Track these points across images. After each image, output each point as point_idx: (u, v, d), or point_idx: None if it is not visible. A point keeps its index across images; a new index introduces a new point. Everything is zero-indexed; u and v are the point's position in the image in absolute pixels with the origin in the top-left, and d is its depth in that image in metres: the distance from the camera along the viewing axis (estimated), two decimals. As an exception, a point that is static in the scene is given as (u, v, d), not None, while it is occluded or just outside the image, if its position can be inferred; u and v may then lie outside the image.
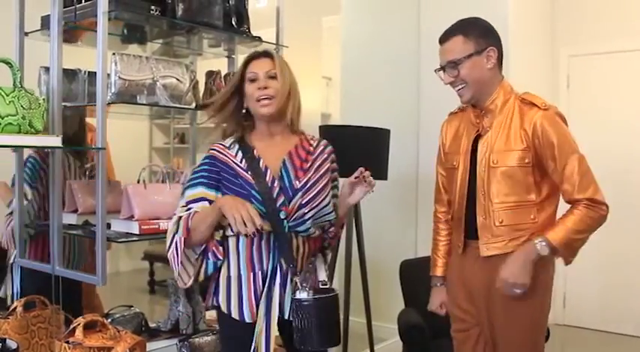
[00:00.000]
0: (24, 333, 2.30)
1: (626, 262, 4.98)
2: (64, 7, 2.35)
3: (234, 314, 2.00)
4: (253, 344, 1.95)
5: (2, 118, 1.95)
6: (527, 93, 2.19)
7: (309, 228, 2.01)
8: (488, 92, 2.18)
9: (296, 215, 1.97)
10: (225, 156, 2.02)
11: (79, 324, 2.05)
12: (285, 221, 1.96)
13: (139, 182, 2.58)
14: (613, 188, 5.29)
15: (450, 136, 2.35)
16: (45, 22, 2.45)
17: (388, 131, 3.60)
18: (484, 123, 2.21)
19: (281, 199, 1.96)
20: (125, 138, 3.18)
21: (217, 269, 2.02)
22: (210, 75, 2.85)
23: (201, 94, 2.78)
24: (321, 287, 2.03)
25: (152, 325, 2.89)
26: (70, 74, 2.59)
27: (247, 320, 1.98)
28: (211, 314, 3.12)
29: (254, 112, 2.05)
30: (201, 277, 2.02)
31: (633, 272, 4.96)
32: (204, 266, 2.01)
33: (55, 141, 2.15)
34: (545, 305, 2.23)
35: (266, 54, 2.07)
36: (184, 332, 2.85)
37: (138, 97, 2.44)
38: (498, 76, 2.21)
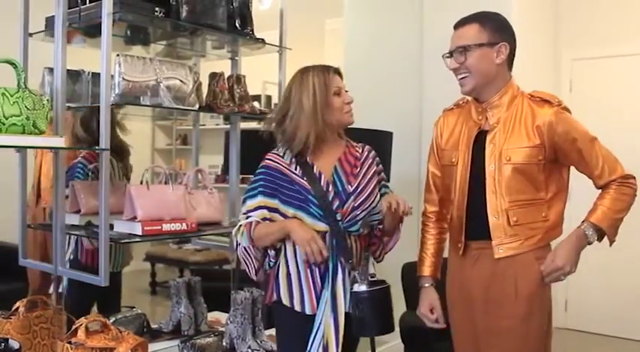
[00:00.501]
0: (26, 333, 2.30)
1: (628, 266, 4.97)
2: (69, 8, 2.36)
3: (297, 307, 2.17)
4: (317, 336, 2.11)
5: (6, 119, 1.95)
6: (536, 90, 2.16)
7: (360, 227, 2.20)
8: (492, 87, 2.14)
9: (350, 216, 2.16)
10: (280, 164, 2.21)
11: (81, 325, 2.05)
12: (341, 222, 2.14)
13: (141, 183, 2.59)
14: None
15: (446, 133, 2.29)
16: (49, 23, 2.46)
17: (390, 133, 3.61)
18: (489, 120, 2.15)
19: (336, 202, 2.15)
20: (128, 139, 3.19)
21: (276, 267, 2.22)
22: (214, 76, 2.85)
23: (204, 96, 2.79)
24: (371, 279, 2.17)
25: (154, 326, 2.90)
26: (73, 75, 2.60)
27: (308, 312, 2.16)
28: (213, 316, 3.13)
29: (338, 122, 2.24)
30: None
31: (635, 276, 4.95)
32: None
33: (59, 141, 2.15)
34: (542, 325, 2.17)
35: (339, 71, 2.30)
36: (186, 333, 2.86)
37: (141, 98, 2.44)
38: (506, 74, 2.16)
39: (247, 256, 2.23)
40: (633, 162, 5.17)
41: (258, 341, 2.75)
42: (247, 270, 2.28)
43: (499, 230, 2.11)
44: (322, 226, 2.13)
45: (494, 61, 2.10)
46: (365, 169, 2.26)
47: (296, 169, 2.18)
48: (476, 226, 2.15)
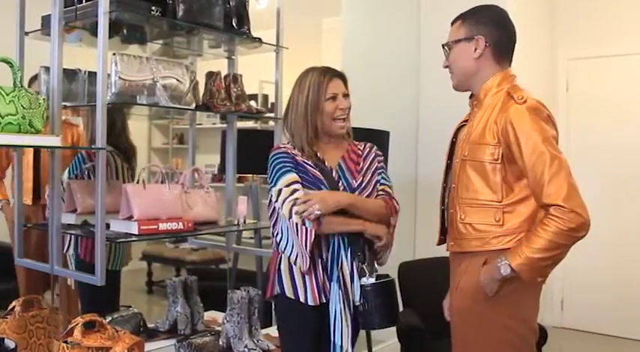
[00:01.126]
0: (22, 333, 2.30)
1: (625, 265, 4.98)
2: (65, 7, 2.35)
3: (302, 298, 2.20)
4: (337, 326, 2.17)
5: (2, 118, 1.95)
6: (515, 85, 2.05)
7: None
8: (477, 81, 2.07)
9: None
10: (295, 154, 2.24)
11: (77, 324, 2.05)
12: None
13: (138, 182, 2.58)
14: (612, 192, 5.29)
15: (454, 130, 2.22)
16: (45, 21, 2.45)
17: (387, 133, 3.61)
18: (472, 114, 2.11)
19: None
20: (125, 138, 3.20)
21: (278, 261, 2.25)
22: (211, 76, 2.85)
23: (201, 95, 2.79)
24: (376, 274, 2.22)
25: (150, 325, 2.90)
26: (70, 74, 2.59)
27: (310, 303, 2.18)
28: (209, 315, 3.13)
29: (327, 128, 2.26)
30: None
31: (631, 275, 4.96)
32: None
33: (55, 141, 2.15)
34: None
35: (341, 75, 2.31)
36: (182, 332, 2.86)
37: (138, 98, 2.43)
38: (493, 66, 2.06)
39: (307, 247, 2.13)
40: (629, 160, 5.19)
41: (255, 341, 2.75)
42: (300, 261, 2.18)
43: (451, 225, 2.09)
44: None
45: (472, 56, 2.05)
46: (367, 165, 2.32)
47: (308, 161, 2.23)
48: (445, 220, 2.17)
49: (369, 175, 2.31)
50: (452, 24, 2.15)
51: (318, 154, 2.26)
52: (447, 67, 2.16)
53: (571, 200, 1.82)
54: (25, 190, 3.18)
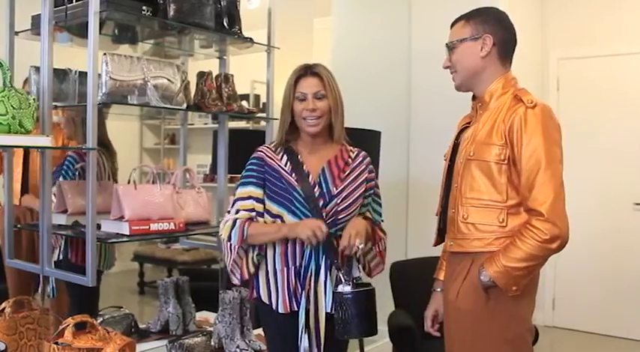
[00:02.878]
0: (12, 334, 2.28)
1: (616, 265, 5.00)
2: (55, 7, 2.34)
3: (274, 305, 2.18)
4: (303, 335, 2.14)
5: (-8, 118, 1.94)
6: (523, 89, 2.07)
7: (338, 230, 2.16)
8: (482, 82, 2.08)
9: (332, 218, 2.15)
10: (272, 158, 2.21)
11: (68, 325, 2.04)
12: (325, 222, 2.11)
13: (129, 182, 2.58)
14: (602, 191, 5.31)
15: (455, 132, 2.23)
16: (35, 21, 2.44)
17: (379, 133, 3.61)
18: (477, 115, 2.10)
19: (320, 202, 2.15)
20: (115, 138, 3.18)
21: (258, 265, 2.22)
22: (202, 75, 2.85)
23: (192, 95, 2.78)
24: (356, 282, 2.15)
25: (142, 326, 2.89)
26: (60, 74, 2.58)
27: (281, 310, 2.16)
28: (201, 315, 3.12)
29: (300, 128, 2.22)
30: (252, 270, 2.22)
31: (622, 274, 4.99)
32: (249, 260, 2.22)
33: (45, 141, 2.14)
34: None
35: (314, 73, 2.20)
36: (174, 333, 2.85)
37: (129, 98, 2.43)
38: (498, 66, 2.09)
39: (231, 253, 2.19)
40: (619, 160, 5.22)
41: (247, 341, 2.74)
42: (231, 271, 2.23)
43: (452, 224, 2.07)
44: None
45: (479, 54, 2.06)
46: (355, 175, 2.24)
47: (286, 165, 2.19)
48: (446, 220, 2.15)
49: (353, 186, 2.22)
50: (453, 25, 2.15)
51: (299, 156, 2.21)
52: (447, 67, 2.15)
53: (553, 210, 1.86)
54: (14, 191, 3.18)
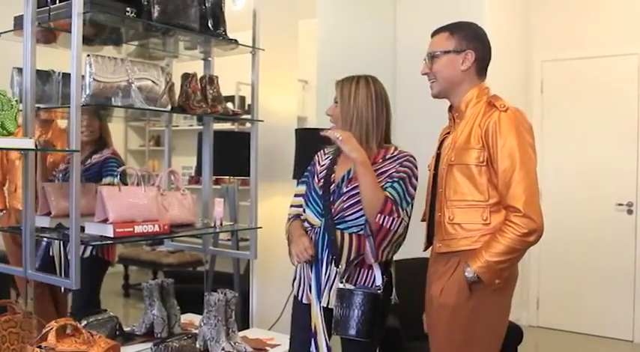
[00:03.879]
0: (-5, 338, 2.27)
1: (599, 265, 5.05)
2: (38, 8, 2.32)
3: (299, 295, 2.44)
4: (312, 324, 2.31)
5: (-26, 120, 1.92)
6: (495, 95, 2.22)
7: (351, 227, 2.30)
8: (459, 92, 2.22)
9: (339, 215, 2.31)
10: (318, 161, 2.52)
11: (51, 329, 2.02)
12: (331, 218, 2.31)
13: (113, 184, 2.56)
14: (585, 192, 5.36)
15: (439, 143, 2.37)
16: (18, 22, 2.41)
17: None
18: (455, 123, 2.26)
19: (333, 198, 2.33)
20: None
21: None
22: (186, 77, 2.84)
23: (177, 97, 2.77)
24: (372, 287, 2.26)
25: (126, 329, 2.87)
26: (43, 75, 2.56)
27: (304, 301, 2.40)
28: (186, 318, 3.11)
29: None
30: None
31: (606, 275, 5.03)
32: None
33: (28, 143, 2.12)
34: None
35: (338, 82, 2.45)
36: (159, 335, 2.84)
37: (113, 99, 2.41)
38: (474, 79, 2.23)
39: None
40: (602, 160, 5.28)
41: (232, 343, 2.73)
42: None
43: (439, 226, 2.20)
44: (316, 220, 2.37)
45: (460, 68, 2.20)
46: (381, 168, 2.32)
47: (322, 166, 2.46)
48: (433, 225, 2.27)
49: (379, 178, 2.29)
50: (435, 33, 2.27)
51: (338, 159, 2.43)
52: (425, 74, 2.28)
53: (529, 206, 2.03)
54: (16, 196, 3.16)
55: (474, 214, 2.12)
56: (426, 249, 2.37)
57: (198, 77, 2.89)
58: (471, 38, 2.22)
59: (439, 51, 2.22)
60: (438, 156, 2.30)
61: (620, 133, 5.03)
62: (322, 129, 2.30)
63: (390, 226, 2.20)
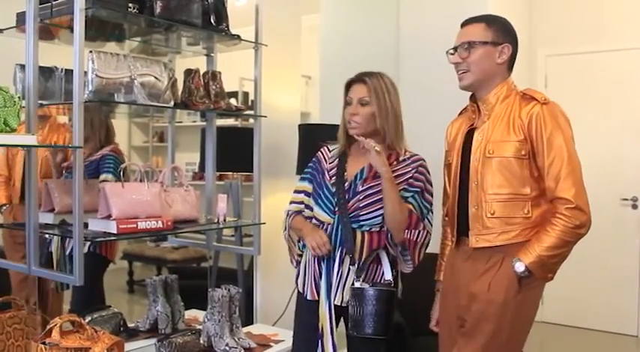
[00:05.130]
0: (-1, 334, 2.27)
1: (604, 260, 5.03)
2: (40, 4, 2.32)
3: (304, 292, 2.42)
4: (320, 323, 2.29)
5: (-24, 116, 1.92)
6: (530, 88, 2.20)
7: (364, 226, 2.30)
8: (489, 85, 2.19)
9: (355, 213, 2.30)
10: (324, 158, 2.50)
11: (55, 325, 2.03)
12: (345, 216, 2.29)
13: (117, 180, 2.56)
14: (590, 187, 5.34)
15: (452, 135, 2.36)
16: (20, 18, 2.41)
17: (367, 130, 3.60)
18: (482, 116, 2.21)
19: (347, 196, 2.33)
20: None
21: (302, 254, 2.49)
22: (189, 73, 2.83)
23: (179, 93, 2.76)
24: (380, 282, 2.28)
25: (131, 325, 2.88)
26: (46, 72, 2.56)
27: (309, 297, 2.38)
28: (190, 314, 3.11)
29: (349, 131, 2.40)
30: (297, 258, 2.54)
31: (610, 269, 5.02)
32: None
33: (31, 139, 2.12)
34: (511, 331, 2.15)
35: (362, 80, 2.40)
36: (163, 331, 2.84)
37: (115, 96, 2.41)
38: (505, 73, 2.21)
39: (289, 241, 2.53)
40: (606, 156, 5.25)
41: (236, 339, 2.74)
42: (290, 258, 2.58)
43: (476, 221, 2.14)
44: (327, 217, 2.36)
45: (496, 61, 2.17)
46: (396, 174, 2.32)
47: (331, 164, 2.44)
48: (465, 220, 2.20)
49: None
50: (468, 23, 2.23)
51: (348, 157, 2.42)
52: (458, 63, 2.21)
53: (579, 198, 2.02)
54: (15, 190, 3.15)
55: (515, 208, 2.09)
56: (456, 244, 2.29)
57: (201, 73, 2.88)
58: (507, 32, 2.20)
59: (477, 41, 2.17)
60: (463, 147, 2.24)
61: (625, 128, 5.02)
62: (358, 137, 2.31)
63: (417, 238, 2.30)
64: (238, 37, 2.86)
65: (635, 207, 5.00)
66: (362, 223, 2.31)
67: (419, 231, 2.30)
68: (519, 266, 2.04)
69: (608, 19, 5.05)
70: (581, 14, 5.16)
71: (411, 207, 2.30)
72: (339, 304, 2.30)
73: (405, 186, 2.32)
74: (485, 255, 2.14)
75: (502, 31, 2.19)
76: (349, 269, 2.28)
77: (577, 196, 2.02)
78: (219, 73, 2.98)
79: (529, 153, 2.08)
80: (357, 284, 2.22)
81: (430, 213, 2.37)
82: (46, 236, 2.69)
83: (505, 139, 2.10)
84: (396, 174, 2.32)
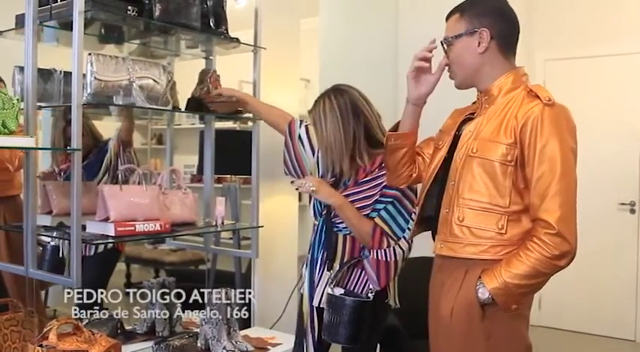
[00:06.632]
0: (-4, 337, 2.27)
1: (601, 264, 5.04)
2: (39, 6, 2.32)
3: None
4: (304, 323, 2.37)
5: (-25, 118, 1.92)
6: (538, 85, 1.90)
7: (343, 230, 2.32)
8: (485, 76, 1.90)
9: (335, 217, 2.32)
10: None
11: (52, 327, 2.02)
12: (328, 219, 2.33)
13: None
14: (588, 192, 5.36)
15: (451, 119, 2.07)
16: (19, 20, 2.41)
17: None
18: (482, 108, 1.92)
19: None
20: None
21: None
22: (207, 73, 2.89)
23: (177, 96, 2.77)
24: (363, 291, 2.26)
25: (128, 327, 2.87)
26: (45, 74, 2.56)
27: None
28: (187, 317, 3.10)
29: None
30: None
31: (608, 274, 5.02)
32: None
33: (29, 141, 2.12)
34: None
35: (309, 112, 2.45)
36: (160, 334, 2.83)
37: (114, 98, 2.41)
38: (500, 60, 1.90)
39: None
40: (604, 160, 5.25)
41: (233, 342, 2.73)
42: None
43: (444, 225, 1.88)
44: (314, 219, 2.42)
45: (476, 51, 1.88)
46: (373, 184, 2.31)
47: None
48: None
49: (363, 191, 2.31)
50: (447, 18, 1.97)
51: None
52: (447, 65, 1.95)
53: (563, 223, 1.72)
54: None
55: (488, 219, 1.78)
56: (414, 235, 2.14)
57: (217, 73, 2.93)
58: (485, 14, 1.87)
59: (450, 36, 1.91)
60: (455, 138, 1.95)
61: (623, 133, 5.02)
62: (292, 183, 2.35)
63: (386, 258, 2.24)
64: (237, 40, 2.86)
65: (633, 211, 5.01)
66: (340, 227, 2.33)
67: (385, 250, 2.24)
68: (483, 293, 1.76)
69: (607, 24, 5.05)
70: (580, 18, 5.17)
71: (376, 221, 2.25)
72: (317, 305, 2.32)
73: (379, 198, 2.27)
74: (449, 267, 1.88)
75: (476, 15, 1.87)
76: (329, 275, 2.28)
77: (561, 221, 1.71)
78: (219, 75, 2.99)
79: (516, 160, 1.77)
80: (332, 291, 2.18)
81: (409, 222, 2.25)
82: (52, 242, 2.69)
83: (493, 139, 1.80)
84: (368, 186, 2.31)
